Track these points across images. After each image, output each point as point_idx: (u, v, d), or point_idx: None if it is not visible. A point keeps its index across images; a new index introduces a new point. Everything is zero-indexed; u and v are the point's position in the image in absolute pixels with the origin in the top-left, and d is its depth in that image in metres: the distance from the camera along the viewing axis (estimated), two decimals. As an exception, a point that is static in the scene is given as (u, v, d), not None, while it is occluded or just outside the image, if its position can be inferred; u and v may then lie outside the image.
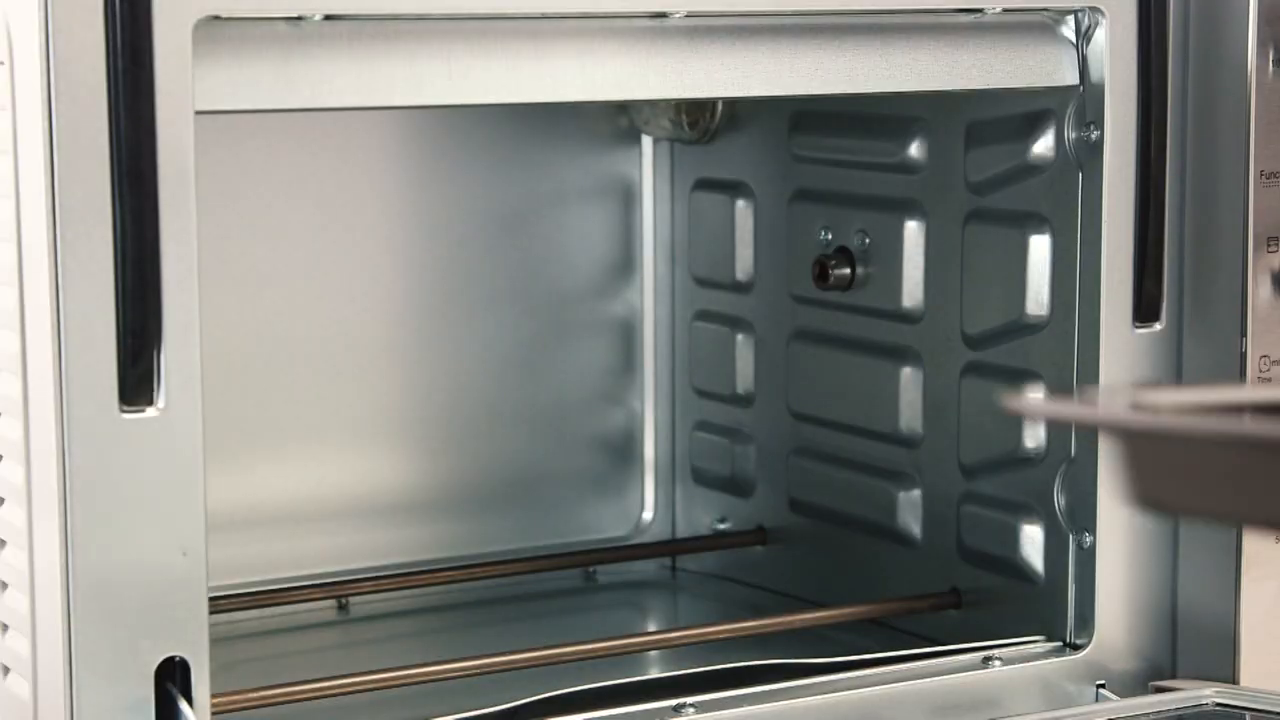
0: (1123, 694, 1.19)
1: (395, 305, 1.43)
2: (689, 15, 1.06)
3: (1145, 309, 1.17)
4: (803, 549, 1.42)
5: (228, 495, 1.34)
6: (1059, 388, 1.20)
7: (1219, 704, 1.16)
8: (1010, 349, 1.24)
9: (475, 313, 1.45)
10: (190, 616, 0.96)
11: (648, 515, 1.51)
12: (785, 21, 1.08)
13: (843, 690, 1.13)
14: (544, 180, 1.47)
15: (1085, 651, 1.19)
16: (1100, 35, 1.15)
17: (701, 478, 1.50)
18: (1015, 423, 1.23)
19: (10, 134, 0.94)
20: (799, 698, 1.12)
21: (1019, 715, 1.15)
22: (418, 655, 1.19)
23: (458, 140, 1.44)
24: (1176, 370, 1.18)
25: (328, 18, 0.98)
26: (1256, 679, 1.18)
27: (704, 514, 1.50)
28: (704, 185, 1.49)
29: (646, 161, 1.51)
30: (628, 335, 1.51)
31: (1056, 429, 1.21)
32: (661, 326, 1.52)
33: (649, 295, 1.51)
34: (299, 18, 0.97)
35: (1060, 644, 1.20)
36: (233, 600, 1.31)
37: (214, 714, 0.98)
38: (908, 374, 1.33)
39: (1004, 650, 1.18)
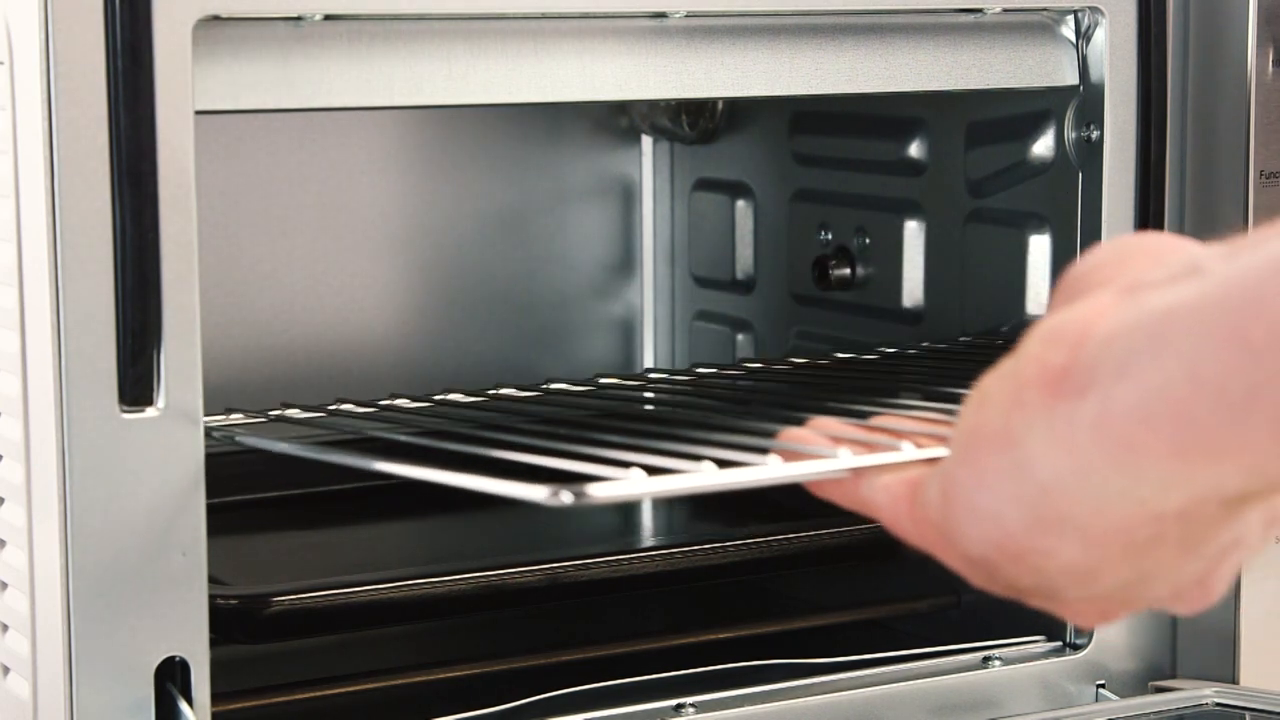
0: (1123, 694, 1.18)
1: (395, 305, 1.43)
2: (689, 15, 1.06)
3: (1145, 309, 1.17)
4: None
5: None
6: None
7: (1219, 704, 1.16)
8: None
9: (475, 313, 1.45)
10: (190, 616, 0.96)
11: (648, 515, 1.51)
12: (785, 21, 1.08)
13: (843, 690, 1.13)
14: (544, 180, 1.47)
15: (1085, 651, 1.19)
16: (1100, 35, 1.15)
17: (702, 478, 1.50)
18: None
19: (10, 134, 0.94)
20: (799, 698, 1.12)
21: (1019, 715, 1.15)
22: (418, 654, 1.19)
23: (458, 140, 1.44)
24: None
25: (328, 18, 0.98)
26: (1256, 679, 1.18)
27: (704, 514, 1.50)
28: (704, 185, 1.48)
29: (646, 161, 1.51)
30: (628, 335, 1.51)
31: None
32: (661, 326, 1.52)
33: (649, 295, 1.51)
34: (299, 18, 0.97)
35: (1060, 644, 1.20)
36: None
37: (214, 714, 0.97)
38: (908, 374, 1.33)
39: (1004, 650, 1.18)
